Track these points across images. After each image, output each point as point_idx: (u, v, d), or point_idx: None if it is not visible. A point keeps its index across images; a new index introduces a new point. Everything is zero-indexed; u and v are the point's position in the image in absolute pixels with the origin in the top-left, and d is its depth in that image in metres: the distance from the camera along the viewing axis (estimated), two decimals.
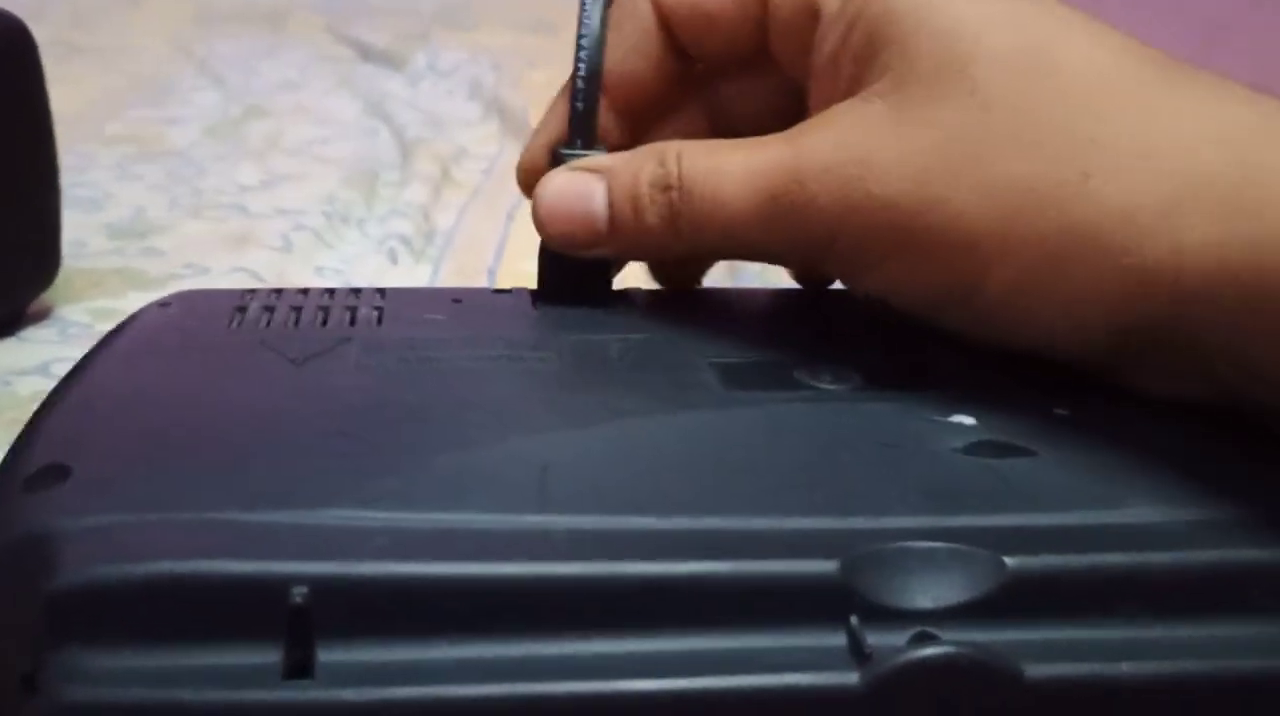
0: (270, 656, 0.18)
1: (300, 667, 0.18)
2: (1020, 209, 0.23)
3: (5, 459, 0.23)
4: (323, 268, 0.66)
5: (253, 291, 0.27)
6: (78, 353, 0.54)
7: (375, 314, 0.26)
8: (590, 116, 0.28)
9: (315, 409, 0.22)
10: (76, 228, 0.59)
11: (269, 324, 0.26)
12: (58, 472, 0.20)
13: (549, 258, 0.29)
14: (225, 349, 0.25)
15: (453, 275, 0.66)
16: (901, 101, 0.25)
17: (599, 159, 0.29)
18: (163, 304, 0.27)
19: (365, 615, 0.18)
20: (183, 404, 0.23)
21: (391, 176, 0.83)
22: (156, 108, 0.98)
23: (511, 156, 0.90)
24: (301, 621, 0.18)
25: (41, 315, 0.58)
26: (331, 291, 0.27)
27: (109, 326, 0.57)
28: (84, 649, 0.18)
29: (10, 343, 0.55)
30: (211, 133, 0.93)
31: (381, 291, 0.27)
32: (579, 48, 0.28)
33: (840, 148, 0.25)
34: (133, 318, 0.26)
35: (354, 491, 0.20)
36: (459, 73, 1.11)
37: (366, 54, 1.21)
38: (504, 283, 0.65)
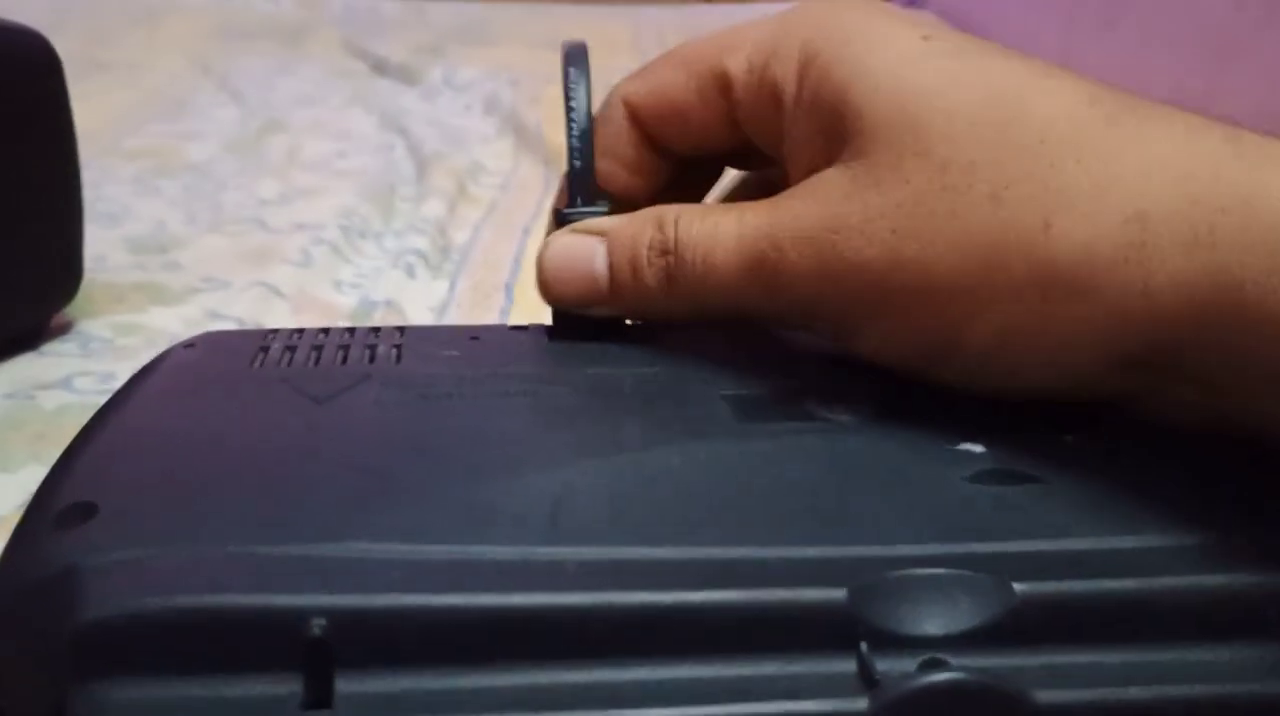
0: (290, 687, 0.18)
1: (319, 699, 0.18)
2: (988, 262, 0.24)
3: (35, 497, 0.23)
4: (341, 282, 0.67)
5: (275, 331, 0.28)
6: (99, 367, 0.55)
7: (394, 352, 0.27)
8: (587, 174, 0.29)
9: (334, 445, 0.23)
10: (97, 242, 0.59)
11: (290, 362, 0.26)
12: (85, 510, 0.21)
13: None
14: (248, 388, 0.25)
15: (470, 290, 0.67)
16: (866, 167, 0.26)
17: (601, 221, 0.29)
18: (187, 345, 0.28)
19: (383, 646, 0.19)
20: (206, 442, 0.23)
21: (408, 191, 0.84)
22: (175, 123, 0.99)
23: (527, 172, 0.91)
24: (320, 653, 0.18)
25: (63, 329, 0.59)
26: (352, 330, 0.28)
27: (130, 341, 0.58)
28: (110, 681, 0.18)
29: (32, 357, 0.56)
30: (230, 148, 0.93)
31: (401, 329, 0.28)
32: (568, 109, 0.29)
33: (811, 216, 0.26)
34: (159, 359, 0.27)
35: (371, 525, 0.20)
36: (475, 88, 1.11)
37: (382, 69, 1.22)
38: (520, 298, 0.66)
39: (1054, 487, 0.22)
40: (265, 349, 0.27)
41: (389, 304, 0.63)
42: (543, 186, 0.87)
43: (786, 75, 0.28)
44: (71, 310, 0.59)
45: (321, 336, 0.27)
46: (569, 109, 0.29)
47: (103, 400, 0.52)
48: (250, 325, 0.59)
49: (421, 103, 1.08)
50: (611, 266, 0.28)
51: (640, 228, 0.28)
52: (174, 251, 0.71)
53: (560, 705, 0.18)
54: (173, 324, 0.60)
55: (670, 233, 0.28)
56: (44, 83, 0.55)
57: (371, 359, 0.26)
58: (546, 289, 0.29)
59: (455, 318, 0.63)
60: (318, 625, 0.18)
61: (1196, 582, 0.20)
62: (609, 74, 1.05)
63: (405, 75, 1.18)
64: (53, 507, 0.21)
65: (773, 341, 0.30)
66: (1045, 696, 0.19)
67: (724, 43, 0.30)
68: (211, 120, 1.01)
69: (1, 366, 0.54)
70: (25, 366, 0.55)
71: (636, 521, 0.21)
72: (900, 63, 0.26)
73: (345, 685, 0.18)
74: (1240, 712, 0.19)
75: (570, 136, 0.29)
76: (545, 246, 0.29)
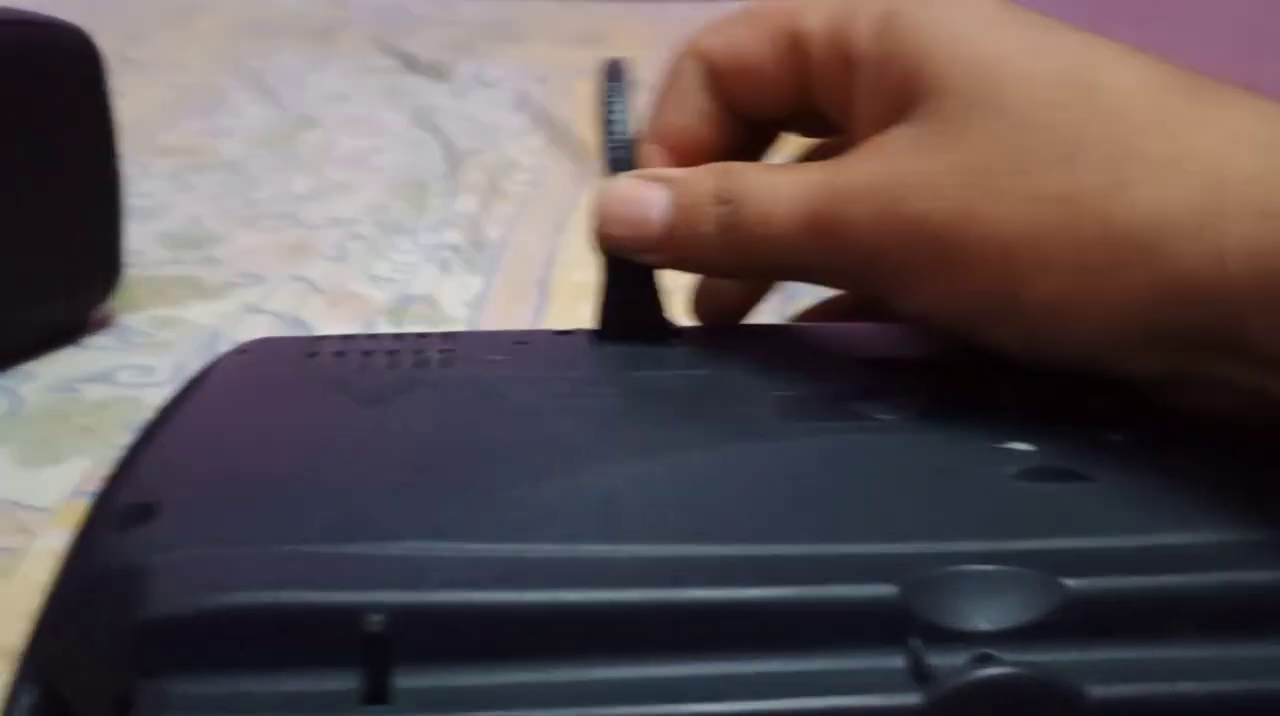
0: (349, 683, 0.18)
1: (378, 693, 0.18)
2: (1057, 219, 0.24)
3: (96, 499, 0.23)
4: (376, 276, 0.67)
5: (323, 338, 0.28)
6: (140, 360, 0.56)
7: (442, 357, 0.27)
8: None
9: (387, 446, 0.23)
10: (134, 237, 0.60)
11: (340, 368, 0.26)
12: (146, 511, 0.21)
13: (608, 296, 0.29)
14: (300, 392, 0.26)
15: (504, 285, 0.67)
16: (937, 126, 0.26)
17: (665, 169, 0.29)
18: (239, 351, 0.28)
19: (439, 642, 0.19)
20: (262, 444, 0.23)
21: (440, 187, 0.84)
22: (208, 119, 0.99)
23: (558, 168, 0.91)
24: (378, 648, 0.18)
25: (103, 323, 0.59)
26: (399, 336, 0.28)
27: (169, 335, 0.58)
28: (174, 676, 0.18)
29: (74, 350, 0.56)
30: (262, 143, 0.94)
31: (447, 335, 0.28)
32: (608, 124, 0.29)
33: (877, 171, 0.26)
34: (212, 364, 0.28)
35: (426, 523, 0.20)
36: (505, 84, 1.12)
37: (412, 66, 1.22)
38: (555, 294, 0.67)
39: (1102, 484, 0.22)
40: (315, 355, 0.27)
41: (425, 299, 0.64)
42: (574, 183, 0.87)
43: (862, 34, 0.28)
44: (111, 304, 0.60)
45: (370, 342, 0.28)
46: (609, 124, 0.29)
47: (144, 393, 0.52)
48: (288, 319, 0.60)
49: (452, 99, 1.08)
50: (670, 212, 0.28)
51: (702, 176, 0.28)
52: (210, 247, 0.71)
53: (615, 700, 0.19)
54: (211, 318, 0.60)
55: (733, 183, 0.28)
56: (87, 79, 0.55)
57: (419, 364, 0.27)
58: (601, 229, 0.29)
59: (490, 313, 0.63)
60: (376, 621, 0.18)
61: (1247, 578, 0.20)
62: (643, 71, 1.04)
63: (435, 72, 1.18)
64: (115, 508, 0.22)
65: (817, 344, 0.30)
66: (1098, 691, 0.19)
67: (800, 1, 0.29)
68: (243, 116, 1.01)
69: (44, 360, 0.55)
70: (68, 360, 0.55)
71: (688, 519, 0.21)
72: (980, 26, 0.26)
73: (403, 680, 0.19)
74: None
75: (608, 150, 0.29)
76: (604, 187, 0.29)
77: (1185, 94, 0.25)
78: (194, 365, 0.54)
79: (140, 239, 0.69)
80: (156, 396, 0.51)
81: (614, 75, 0.30)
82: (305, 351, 0.27)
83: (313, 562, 0.19)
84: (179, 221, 0.75)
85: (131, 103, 1.00)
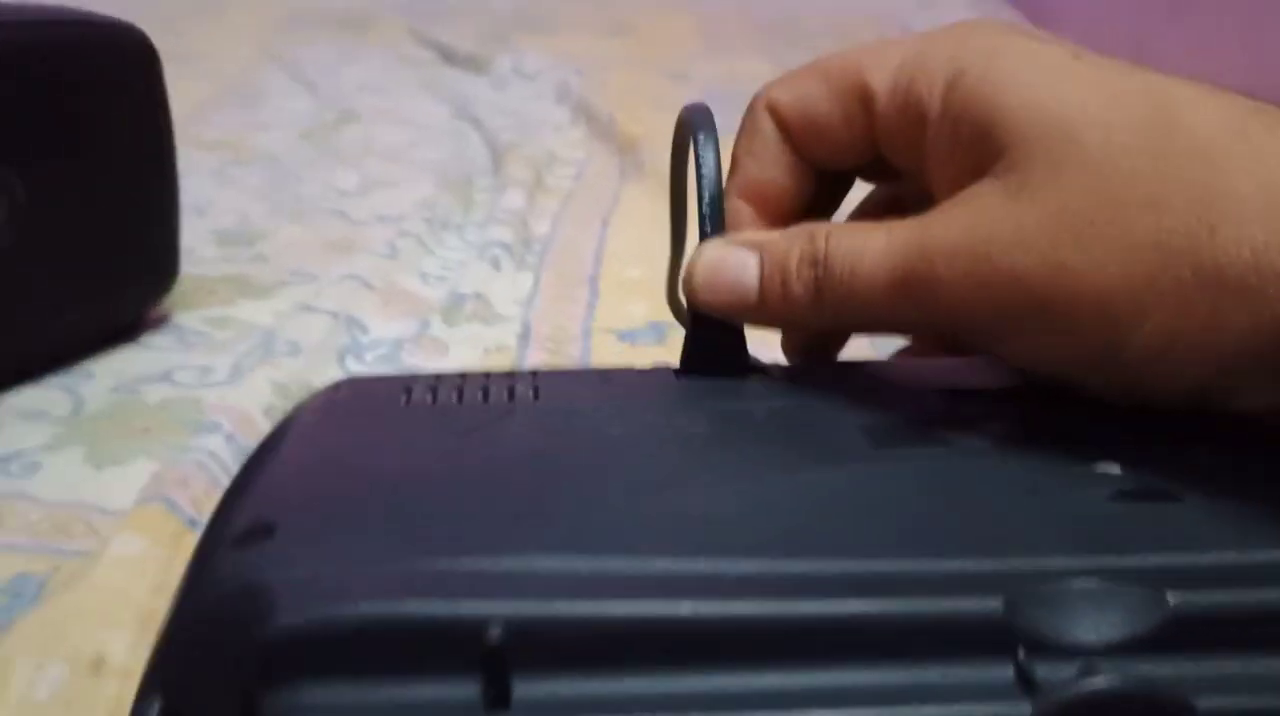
0: (468, 691, 0.19)
1: (498, 701, 0.19)
2: (1150, 266, 0.24)
3: (211, 522, 0.24)
4: (427, 274, 0.67)
5: (415, 377, 0.29)
6: (197, 360, 0.56)
7: (532, 392, 0.28)
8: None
9: (489, 470, 0.24)
10: (185, 235, 0.60)
11: (435, 401, 0.27)
12: (265, 530, 0.21)
13: (691, 333, 0.30)
14: (400, 423, 0.26)
15: (554, 283, 0.67)
16: (1019, 180, 0.26)
17: (754, 234, 0.30)
18: (334, 388, 0.29)
19: (555, 652, 0.19)
20: (369, 470, 0.24)
21: (485, 182, 0.84)
22: (249, 113, 0.99)
23: (600, 162, 0.91)
24: (498, 658, 0.19)
25: (159, 322, 0.59)
26: (487, 374, 0.29)
27: (225, 334, 0.58)
28: (299, 686, 0.19)
29: (133, 349, 0.56)
30: (304, 137, 0.94)
31: (534, 373, 0.29)
32: (699, 176, 0.30)
33: (964, 229, 0.26)
34: (309, 400, 0.28)
35: (537, 539, 0.21)
36: (545, 77, 1.11)
37: (449, 57, 1.22)
38: (606, 290, 0.66)
39: (1193, 502, 0.22)
40: (409, 391, 0.28)
41: (476, 297, 0.63)
42: (618, 176, 0.87)
43: (931, 91, 0.28)
44: (167, 303, 0.60)
45: (459, 380, 0.28)
46: (699, 175, 0.30)
47: (203, 393, 0.52)
48: (342, 318, 0.60)
49: (492, 92, 1.08)
50: (761, 277, 0.29)
51: (790, 240, 0.29)
52: (260, 244, 0.71)
53: (725, 709, 0.19)
54: (265, 317, 0.60)
55: (820, 245, 0.28)
56: (144, 78, 0.55)
57: (510, 397, 0.27)
58: (696, 296, 0.30)
59: (541, 310, 0.63)
60: (495, 632, 0.19)
61: None
62: (676, 62, 1.04)
63: (473, 64, 1.18)
64: (232, 530, 0.22)
65: (897, 377, 0.30)
66: (1205, 704, 0.19)
67: (867, 59, 0.30)
68: (284, 110, 1.01)
69: (104, 358, 0.55)
70: (127, 359, 0.55)
71: (792, 536, 0.21)
72: (1052, 77, 0.26)
73: (521, 689, 0.19)
74: None
75: (701, 204, 0.30)
76: (697, 254, 0.30)
77: (1266, 128, 0.24)
78: (252, 364, 0.55)
79: (190, 236, 0.69)
80: (215, 396, 0.52)
81: (700, 124, 0.30)
82: (399, 387, 0.28)
83: (431, 576, 0.20)
84: (227, 218, 0.75)
85: (172, 97, 1.00)
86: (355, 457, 0.25)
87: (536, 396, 0.27)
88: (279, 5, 1.41)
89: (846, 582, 0.20)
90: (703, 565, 0.20)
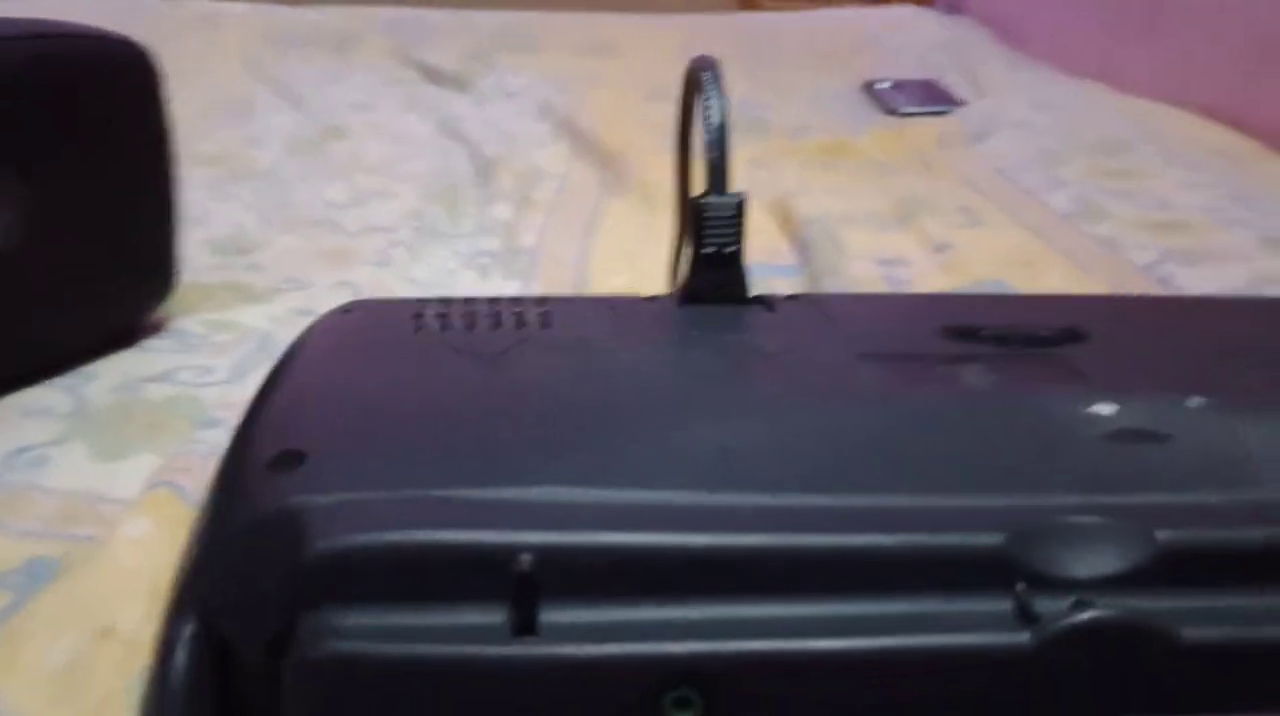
0: (499, 617, 0.20)
1: (526, 626, 0.20)
2: None
3: (233, 447, 0.25)
4: (417, 280, 0.69)
5: (424, 300, 0.29)
6: (198, 361, 0.57)
7: (540, 319, 0.28)
8: (723, 166, 0.31)
9: (509, 399, 0.25)
10: (182, 244, 0.62)
11: (447, 328, 0.28)
12: (295, 458, 0.22)
13: (694, 264, 0.30)
14: (416, 349, 0.27)
15: (541, 289, 0.69)
16: None
17: None
18: (344, 311, 0.29)
19: (582, 580, 0.20)
20: (391, 395, 0.25)
21: (471, 194, 0.86)
22: (240, 128, 1.02)
23: (583, 175, 0.93)
24: (527, 585, 0.20)
25: (158, 327, 0.61)
26: (494, 300, 0.29)
27: (224, 337, 0.60)
28: (335, 608, 0.20)
29: (134, 353, 0.58)
30: (293, 152, 0.96)
31: (541, 299, 0.29)
32: (706, 109, 0.30)
33: None
34: (320, 321, 0.29)
35: (564, 470, 0.22)
36: (527, 94, 1.14)
37: (434, 76, 1.24)
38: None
39: (1182, 443, 0.24)
40: (419, 316, 0.28)
41: None
42: (600, 189, 0.89)
43: None
44: (165, 308, 0.62)
45: (467, 305, 0.29)
46: (706, 108, 0.30)
47: (204, 392, 0.54)
48: None
49: (475, 108, 1.10)
50: None
51: None
52: (255, 253, 0.73)
53: (742, 635, 0.20)
54: (262, 322, 0.62)
55: None
56: (144, 91, 0.58)
57: (520, 324, 0.28)
58: None
59: None
60: (525, 560, 0.20)
61: None
62: (656, 81, 1.06)
63: (457, 82, 1.20)
64: (260, 455, 0.23)
65: (900, 310, 0.31)
66: (1191, 634, 0.20)
67: None
68: (273, 125, 1.03)
69: (107, 361, 0.57)
70: (129, 361, 0.57)
71: (804, 471, 0.23)
72: None
73: (548, 615, 0.20)
74: None
75: (708, 130, 0.31)
76: None
77: None
78: (252, 364, 0.56)
79: (187, 246, 0.71)
80: (216, 395, 0.53)
81: (707, 66, 0.31)
82: (409, 312, 0.28)
83: (464, 505, 0.21)
84: (223, 229, 0.77)
85: None
86: (374, 384, 0.25)
87: (545, 324, 0.28)
88: (266, 24, 1.43)
89: (855, 517, 0.21)
90: (719, 499, 0.21)
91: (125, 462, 0.48)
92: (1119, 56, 1.30)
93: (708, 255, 0.30)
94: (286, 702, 0.20)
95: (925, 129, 1.08)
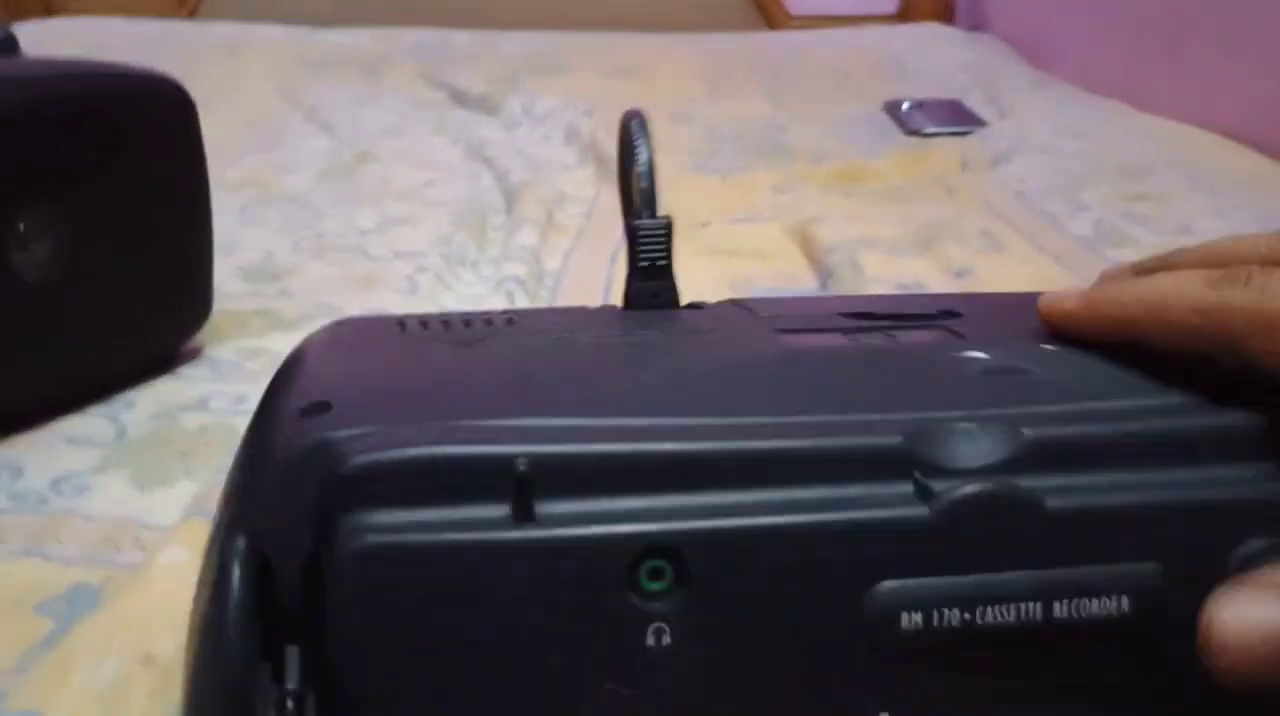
0: (502, 510, 0.25)
1: (526, 515, 0.25)
2: None
3: (264, 405, 0.29)
4: (445, 307, 0.71)
5: (405, 316, 0.35)
6: (233, 388, 0.59)
7: (508, 320, 0.34)
8: (653, 190, 0.36)
9: (493, 366, 0.30)
10: (214, 271, 0.63)
11: (426, 329, 0.33)
12: (322, 406, 0.26)
13: (631, 281, 0.35)
14: (404, 342, 0.32)
15: None
16: None
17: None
18: (335, 324, 0.34)
19: (567, 480, 0.25)
20: (391, 367, 0.30)
21: (499, 220, 0.87)
22: (270, 153, 1.03)
23: (609, 200, 0.94)
24: (525, 483, 0.25)
25: (193, 354, 0.63)
26: (467, 313, 0.35)
27: (257, 364, 0.62)
28: (368, 512, 0.24)
29: (169, 380, 0.60)
30: (324, 177, 0.98)
31: (505, 311, 0.35)
32: (634, 148, 0.35)
33: None
34: (315, 334, 0.33)
35: (546, 406, 0.27)
36: (554, 118, 1.15)
37: (462, 100, 1.26)
38: None
39: (1041, 374, 0.30)
40: (402, 324, 0.33)
41: None
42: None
43: None
44: (199, 336, 0.63)
45: (442, 316, 0.34)
46: (636, 150, 0.35)
47: (239, 420, 0.56)
48: None
49: (503, 132, 1.12)
50: None
51: None
52: (285, 279, 0.75)
53: (694, 518, 0.25)
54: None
55: None
56: (182, 126, 0.59)
57: (489, 324, 0.33)
58: (1232, 663, 0.25)
59: None
60: (522, 461, 0.25)
61: (1151, 426, 0.28)
62: (680, 104, 1.08)
63: (485, 106, 1.22)
64: (293, 406, 0.27)
65: (815, 304, 0.37)
66: (1054, 503, 0.26)
67: None
68: (304, 151, 1.05)
69: (144, 389, 0.58)
70: (165, 389, 0.59)
71: (740, 400, 0.28)
72: None
73: (542, 507, 0.25)
74: (1179, 512, 0.27)
75: (639, 165, 0.36)
76: (1219, 608, 0.25)
77: None
78: None
79: (218, 273, 0.72)
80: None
81: (635, 117, 0.36)
82: (394, 322, 0.33)
83: (468, 428, 0.26)
84: (254, 255, 0.78)
85: None
86: (378, 361, 0.30)
87: (510, 323, 0.33)
88: (294, 47, 1.45)
89: (787, 428, 0.27)
90: (672, 420, 0.27)
91: (164, 490, 0.50)
92: (1143, 75, 1.31)
93: (643, 268, 0.35)
94: (330, 595, 0.24)
95: (947, 150, 1.09)
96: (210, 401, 0.58)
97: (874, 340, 0.32)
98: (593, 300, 0.72)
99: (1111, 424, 0.28)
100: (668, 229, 0.35)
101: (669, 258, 0.35)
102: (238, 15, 1.62)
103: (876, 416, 0.27)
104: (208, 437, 0.54)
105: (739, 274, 0.77)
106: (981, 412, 0.27)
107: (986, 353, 0.31)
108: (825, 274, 0.77)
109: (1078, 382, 0.30)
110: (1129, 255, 0.79)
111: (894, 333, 0.33)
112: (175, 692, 0.35)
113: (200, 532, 0.44)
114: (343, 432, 0.25)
